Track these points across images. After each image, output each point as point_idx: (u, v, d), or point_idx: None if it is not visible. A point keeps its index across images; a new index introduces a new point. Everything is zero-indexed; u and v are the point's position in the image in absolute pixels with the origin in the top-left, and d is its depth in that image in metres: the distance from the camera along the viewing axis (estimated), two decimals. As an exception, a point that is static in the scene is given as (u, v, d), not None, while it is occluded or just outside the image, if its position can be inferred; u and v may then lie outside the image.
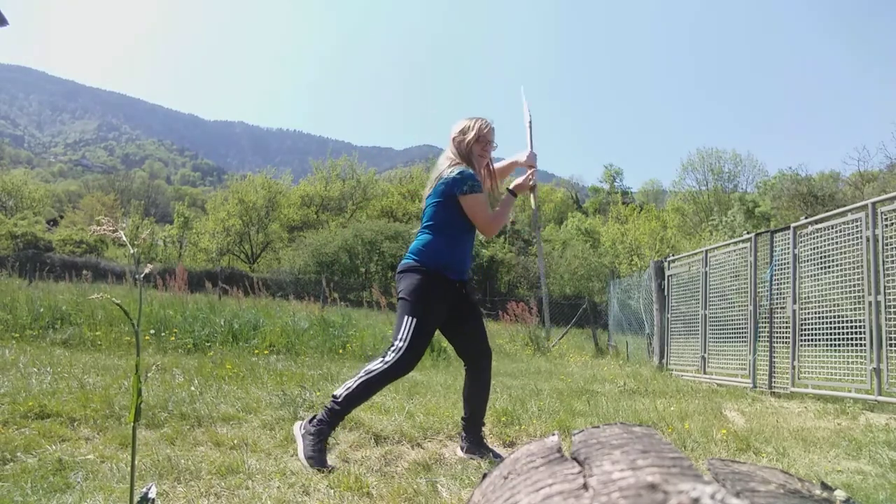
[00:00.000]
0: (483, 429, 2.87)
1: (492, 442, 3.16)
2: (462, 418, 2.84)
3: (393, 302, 10.41)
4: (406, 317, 2.57)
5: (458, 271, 2.70)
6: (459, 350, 2.86)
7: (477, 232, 2.83)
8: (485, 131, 2.76)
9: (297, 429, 2.53)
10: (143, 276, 0.99)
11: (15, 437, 2.45)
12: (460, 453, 2.79)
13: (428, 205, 2.74)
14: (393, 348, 2.53)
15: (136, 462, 2.18)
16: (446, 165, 2.73)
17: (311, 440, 2.44)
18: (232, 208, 33.33)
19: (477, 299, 2.93)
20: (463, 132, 2.75)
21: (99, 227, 1.00)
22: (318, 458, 2.38)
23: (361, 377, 2.51)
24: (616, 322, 12.61)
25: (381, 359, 2.54)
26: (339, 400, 2.49)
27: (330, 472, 2.29)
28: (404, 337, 2.53)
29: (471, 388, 2.82)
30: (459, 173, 2.64)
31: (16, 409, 2.82)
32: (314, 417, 2.53)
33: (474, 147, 2.74)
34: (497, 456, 2.72)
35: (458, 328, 2.80)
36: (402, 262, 2.71)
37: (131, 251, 0.98)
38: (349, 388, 2.50)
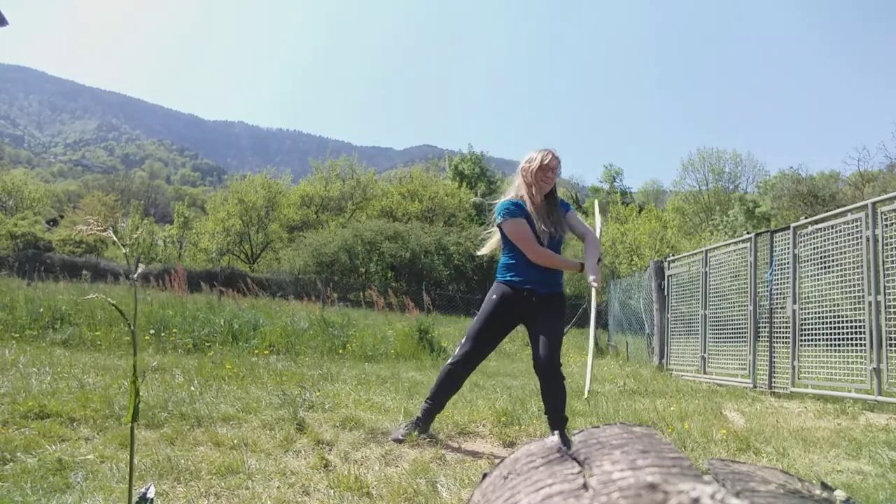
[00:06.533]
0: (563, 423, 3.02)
1: (492, 442, 3.16)
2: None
3: (392, 302, 10.46)
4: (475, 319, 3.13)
5: (522, 281, 3.02)
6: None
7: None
8: (547, 161, 3.03)
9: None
10: (136, 275, 0.98)
11: (15, 437, 2.44)
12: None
13: None
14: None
15: (136, 462, 2.18)
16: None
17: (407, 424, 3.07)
18: (232, 208, 33.29)
19: (554, 309, 3.08)
20: (529, 161, 3.05)
21: (86, 227, 1.00)
22: (402, 432, 2.94)
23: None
24: (616, 322, 12.61)
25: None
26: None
27: (400, 442, 2.85)
28: (466, 336, 3.09)
29: (543, 393, 3.01)
30: (497, 207, 3.06)
31: (16, 409, 2.82)
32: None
33: (537, 174, 3.01)
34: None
35: (531, 333, 3.07)
36: None
37: (123, 251, 0.97)
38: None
